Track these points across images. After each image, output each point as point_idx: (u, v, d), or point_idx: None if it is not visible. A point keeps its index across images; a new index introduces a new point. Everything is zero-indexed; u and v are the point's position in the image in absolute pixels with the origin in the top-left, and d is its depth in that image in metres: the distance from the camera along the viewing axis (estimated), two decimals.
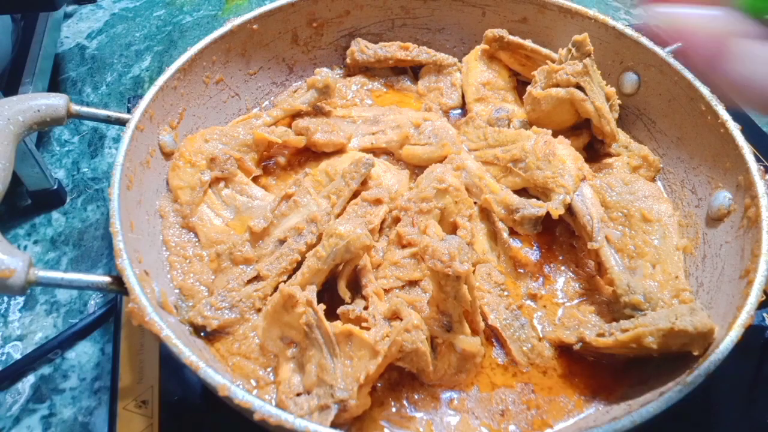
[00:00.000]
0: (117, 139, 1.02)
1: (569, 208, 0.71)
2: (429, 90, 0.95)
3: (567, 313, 0.68)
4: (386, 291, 0.67)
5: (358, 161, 0.76)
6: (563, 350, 0.65)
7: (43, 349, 0.74)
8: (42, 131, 0.99)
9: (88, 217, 0.91)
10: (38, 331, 0.78)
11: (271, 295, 0.66)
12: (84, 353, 0.76)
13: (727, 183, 0.71)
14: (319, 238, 0.68)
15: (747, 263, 0.62)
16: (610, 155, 0.82)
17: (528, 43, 0.89)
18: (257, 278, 0.67)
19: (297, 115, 0.87)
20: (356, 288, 0.67)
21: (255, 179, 0.81)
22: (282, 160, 0.84)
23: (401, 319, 0.60)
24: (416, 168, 0.82)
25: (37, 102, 0.65)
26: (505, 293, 0.69)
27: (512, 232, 0.75)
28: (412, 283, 0.69)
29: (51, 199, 0.91)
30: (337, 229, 0.65)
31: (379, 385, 0.61)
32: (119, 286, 0.57)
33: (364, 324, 0.62)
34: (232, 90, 0.89)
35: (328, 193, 0.74)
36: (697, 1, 0.43)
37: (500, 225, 0.74)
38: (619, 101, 0.82)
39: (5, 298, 0.81)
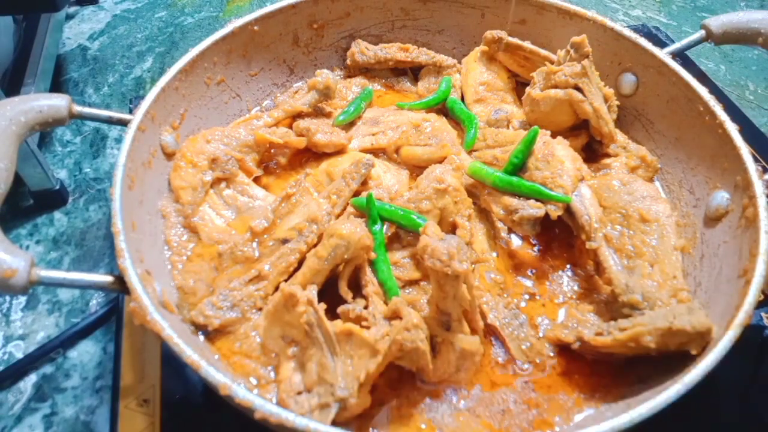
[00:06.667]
0: (119, 140, 1.03)
1: (568, 209, 0.71)
2: (429, 91, 0.95)
3: (565, 312, 0.68)
4: None
5: (358, 162, 0.76)
6: (562, 349, 0.65)
7: (45, 348, 0.75)
8: (44, 132, 1.00)
9: (90, 217, 0.91)
10: (40, 331, 0.78)
11: (272, 294, 0.66)
12: (86, 352, 0.76)
13: (725, 183, 0.71)
14: (320, 238, 0.68)
15: (745, 263, 0.62)
16: (608, 156, 0.82)
17: (527, 44, 0.89)
18: (258, 278, 0.67)
19: (298, 116, 0.87)
20: (356, 287, 0.67)
21: (256, 179, 0.81)
22: (283, 160, 0.84)
23: (401, 319, 0.60)
24: (416, 168, 0.83)
25: (39, 102, 0.65)
26: (505, 294, 0.69)
27: (511, 232, 0.75)
28: (412, 283, 0.69)
29: (53, 199, 0.91)
30: (338, 229, 0.66)
31: (379, 383, 0.61)
32: (121, 285, 0.57)
33: (364, 323, 0.63)
34: (233, 91, 0.90)
35: (329, 193, 0.74)
36: None
37: (499, 225, 0.74)
38: (617, 102, 0.82)
39: (7, 298, 0.81)
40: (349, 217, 0.72)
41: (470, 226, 0.73)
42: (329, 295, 0.66)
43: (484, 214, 0.77)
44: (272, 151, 0.84)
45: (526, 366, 0.64)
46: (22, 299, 0.81)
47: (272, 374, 0.62)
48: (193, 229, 0.74)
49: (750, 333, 0.56)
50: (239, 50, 0.88)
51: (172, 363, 0.67)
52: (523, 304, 0.69)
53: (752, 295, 0.57)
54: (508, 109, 0.88)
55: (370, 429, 0.59)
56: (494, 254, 0.74)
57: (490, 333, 0.66)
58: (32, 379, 0.73)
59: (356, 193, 0.75)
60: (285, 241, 0.69)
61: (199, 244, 0.73)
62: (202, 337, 0.65)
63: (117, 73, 1.17)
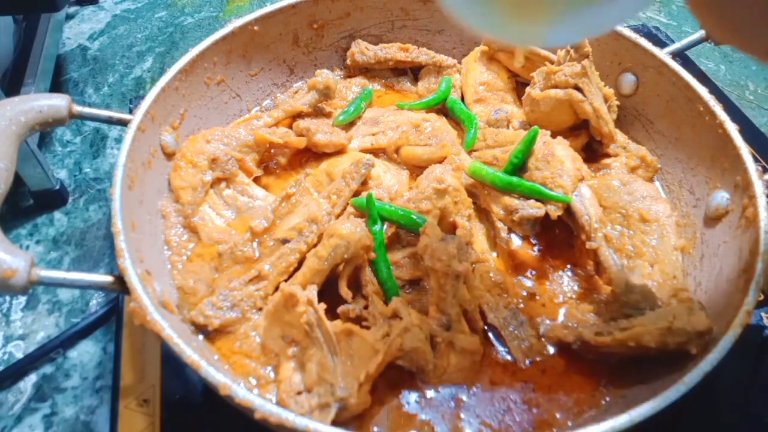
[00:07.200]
0: (119, 140, 1.03)
1: (568, 209, 0.71)
2: (429, 91, 0.95)
3: (565, 312, 0.68)
4: None
5: (358, 162, 0.76)
6: (562, 349, 0.65)
7: (45, 348, 0.75)
8: (44, 132, 1.00)
9: (90, 217, 0.92)
10: (40, 331, 0.78)
11: (272, 294, 0.66)
12: (86, 352, 0.76)
13: (725, 183, 0.71)
14: (320, 238, 0.68)
15: (745, 263, 0.62)
16: (608, 156, 0.83)
17: None
18: (258, 278, 0.67)
19: (298, 116, 0.87)
20: (356, 287, 0.68)
21: (256, 179, 0.81)
22: (283, 160, 0.85)
23: (401, 318, 0.61)
24: (416, 168, 0.83)
25: (39, 102, 0.65)
26: (505, 294, 0.69)
27: (511, 232, 0.75)
28: (412, 283, 0.70)
29: (53, 199, 0.91)
30: (338, 229, 0.66)
31: (379, 383, 0.61)
32: (121, 285, 0.57)
33: (364, 323, 0.63)
34: (233, 91, 0.90)
35: (329, 193, 0.74)
36: None
37: (499, 225, 0.74)
38: (617, 102, 0.82)
39: (7, 298, 0.81)
40: (349, 217, 0.72)
41: (470, 226, 0.73)
42: (329, 295, 0.66)
43: (484, 214, 0.77)
44: (272, 151, 0.84)
45: (526, 365, 0.64)
46: (22, 299, 0.81)
47: (272, 374, 0.62)
48: (193, 229, 0.74)
49: (750, 333, 0.56)
50: (239, 50, 0.88)
51: (172, 363, 0.67)
52: (523, 304, 0.69)
53: (752, 295, 0.57)
54: (508, 109, 0.88)
55: (371, 429, 0.59)
56: (494, 254, 0.74)
57: (491, 333, 0.66)
58: (32, 379, 0.74)
59: (356, 193, 0.75)
60: (285, 241, 0.69)
61: (199, 244, 0.73)
62: (201, 337, 0.65)
63: (117, 73, 1.17)
